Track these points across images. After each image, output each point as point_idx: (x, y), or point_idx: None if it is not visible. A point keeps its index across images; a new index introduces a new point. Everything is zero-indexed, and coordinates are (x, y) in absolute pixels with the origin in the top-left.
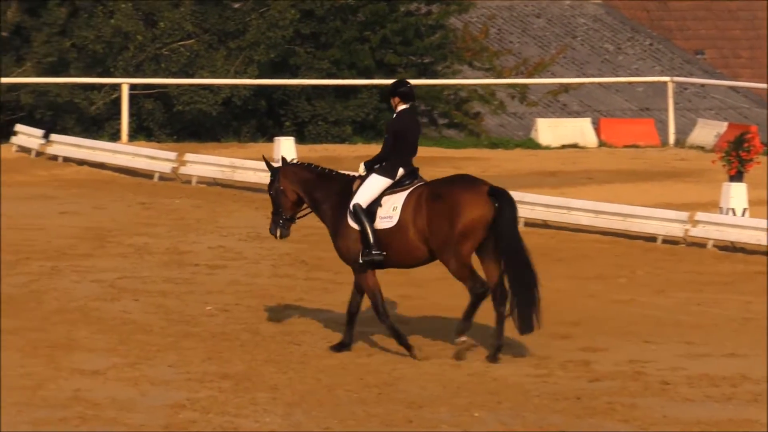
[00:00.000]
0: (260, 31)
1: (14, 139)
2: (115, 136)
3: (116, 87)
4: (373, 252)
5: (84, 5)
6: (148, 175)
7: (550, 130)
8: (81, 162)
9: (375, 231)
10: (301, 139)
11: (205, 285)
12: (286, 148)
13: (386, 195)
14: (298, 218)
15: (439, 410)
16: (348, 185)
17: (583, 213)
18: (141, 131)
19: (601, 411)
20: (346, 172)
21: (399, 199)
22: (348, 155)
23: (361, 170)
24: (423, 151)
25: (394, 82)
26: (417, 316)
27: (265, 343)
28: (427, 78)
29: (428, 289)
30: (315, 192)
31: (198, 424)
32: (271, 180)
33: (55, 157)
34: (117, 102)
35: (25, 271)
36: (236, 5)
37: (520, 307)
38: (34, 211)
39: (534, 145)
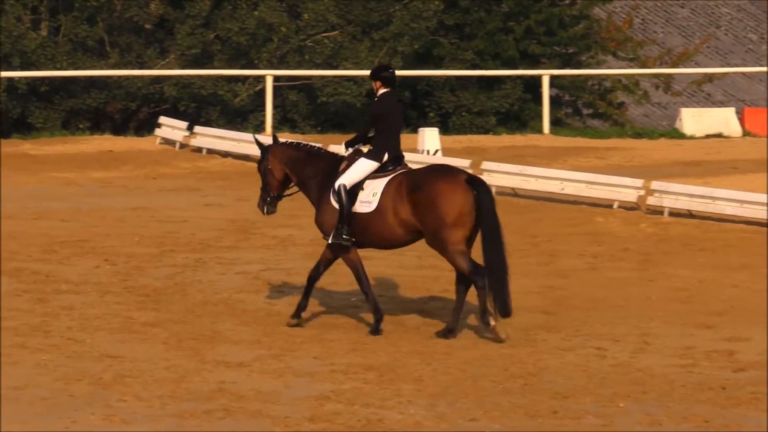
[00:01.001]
0: (404, 23)
1: (158, 132)
2: (259, 128)
3: (260, 79)
4: (344, 236)
5: None
6: None
7: (694, 120)
8: (225, 154)
9: (352, 214)
10: (445, 130)
11: (349, 277)
12: (430, 138)
13: (369, 179)
14: (285, 196)
15: (583, 401)
16: (335, 164)
17: (728, 203)
18: (285, 123)
19: (745, 401)
20: (334, 152)
21: (380, 185)
22: (492, 146)
23: (343, 150)
24: (568, 141)
25: (377, 67)
26: (562, 306)
27: (409, 334)
28: (571, 68)
29: (573, 280)
30: (304, 169)
31: (342, 416)
32: (260, 158)
33: (199, 149)
34: (261, 94)
35: (169, 263)
36: None
37: (499, 290)
38: (178, 203)
39: (678, 135)
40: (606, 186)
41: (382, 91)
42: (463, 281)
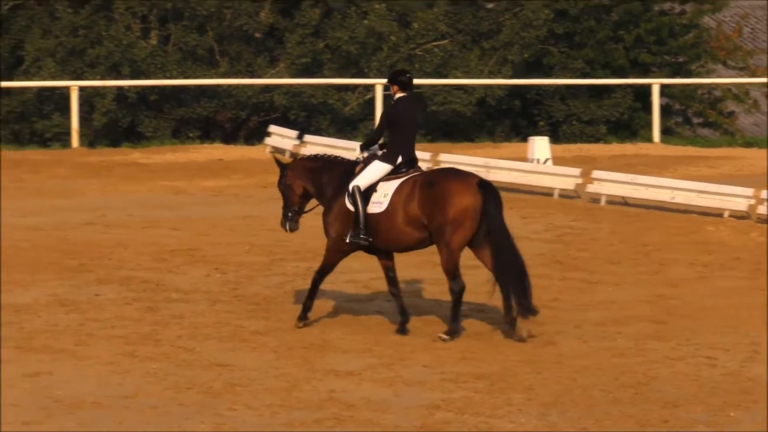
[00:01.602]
0: (514, 31)
1: (268, 140)
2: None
3: (370, 87)
4: (361, 236)
5: (337, 6)
6: None
7: None
8: None
9: (366, 214)
10: (555, 139)
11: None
12: (540, 147)
13: (383, 181)
14: (307, 212)
15: (694, 410)
16: (351, 168)
17: None
18: None
19: None
20: (350, 159)
21: (391, 186)
22: (602, 155)
23: (358, 153)
24: (678, 150)
25: (394, 72)
26: (672, 315)
27: (519, 343)
28: (681, 77)
29: (683, 289)
30: (321, 177)
31: (453, 425)
32: (279, 176)
33: None
34: (371, 102)
35: (279, 272)
36: (490, 5)
37: (519, 293)
38: None
39: None
40: (716, 195)
41: (399, 95)
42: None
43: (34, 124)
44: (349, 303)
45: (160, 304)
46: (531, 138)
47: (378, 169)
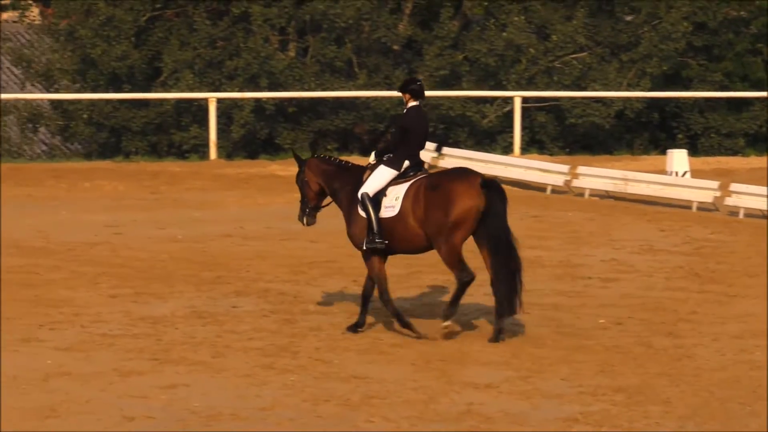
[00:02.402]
0: (653, 44)
1: None
2: (507, 149)
3: (509, 100)
4: (376, 240)
5: (476, 18)
6: (540, 188)
7: None
8: None
9: (379, 219)
10: (693, 152)
11: (597, 298)
12: (678, 160)
13: (392, 185)
14: (323, 207)
15: None
16: (360, 174)
17: None
18: (533, 144)
19: None
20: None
21: (401, 189)
22: (741, 168)
23: (372, 159)
24: None
25: (406, 80)
26: None
27: (657, 356)
28: None
29: None
30: (334, 182)
31: None
32: (298, 171)
33: None
34: (509, 115)
35: (417, 284)
36: (628, 18)
37: (504, 291)
38: None
39: None
40: None
41: (411, 104)
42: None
43: (172, 135)
44: (487, 316)
45: (298, 316)
46: (670, 151)
47: (384, 174)
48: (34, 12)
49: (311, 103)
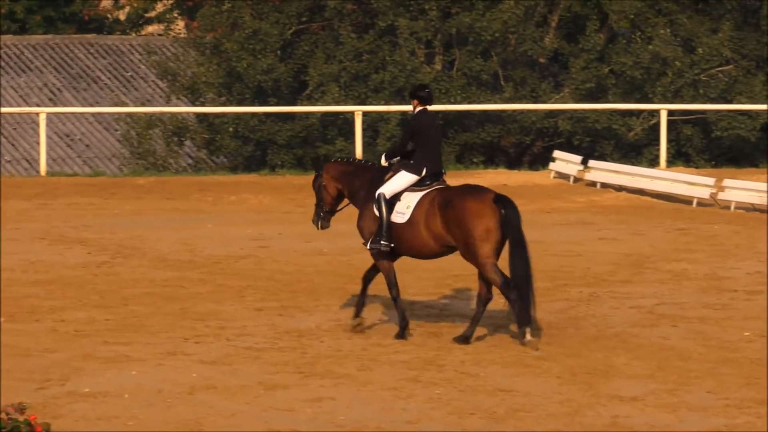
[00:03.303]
0: None
1: (552, 165)
2: (653, 162)
3: (654, 113)
4: (382, 242)
5: (622, 31)
6: (686, 200)
7: None
8: (619, 188)
9: (390, 222)
10: None
11: (743, 311)
12: None
13: (408, 191)
14: (338, 211)
15: None
16: (381, 174)
17: None
18: (679, 157)
19: None
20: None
21: (414, 198)
22: None
23: (383, 161)
24: None
25: (415, 86)
26: None
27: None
28: None
29: None
30: (354, 181)
31: None
32: (315, 176)
33: (593, 183)
34: (655, 128)
35: (563, 297)
36: None
37: (518, 306)
38: (572, 237)
39: None
40: None
41: (419, 109)
42: (483, 294)
43: (317, 149)
44: (633, 328)
45: (443, 329)
46: None
47: (404, 179)
48: (180, 25)
49: (457, 116)
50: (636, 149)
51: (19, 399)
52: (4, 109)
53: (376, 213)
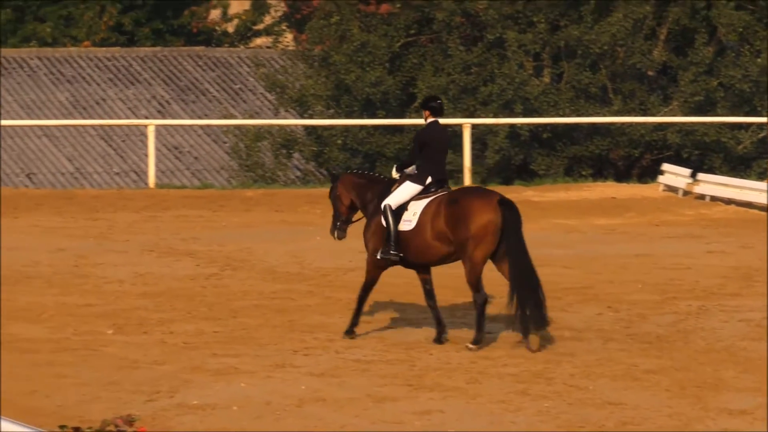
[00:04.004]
0: None
1: (661, 179)
2: (762, 175)
3: (763, 126)
4: (391, 252)
5: (730, 44)
6: None
7: None
8: (728, 201)
9: (398, 232)
10: None
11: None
12: None
13: (414, 200)
14: (354, 221)
15: None
16: (390, 187)
17: None
18: None
19: None
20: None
21: (420, 205)
22: None
23: (394, 173)
24: None
25: (426, 97)
26: None
27: None
28: None
29: None
30: (366, 193)
31: None
32: (331, 188)
33: (702, 197)
34: (764, 141)
35: (672, 310)
36: None
37: (530, 307)
38: (681, 250)
39: None
40: None
41: (430, 119)
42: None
43: None
44: (742, 341)
45: (552, 342)
46: None
47: (408, 189)
48: (288, 38)
49: (566, 128)
50: (745, 162)
51: (128, 411)
52: (113, 121)
53: (383, 224)
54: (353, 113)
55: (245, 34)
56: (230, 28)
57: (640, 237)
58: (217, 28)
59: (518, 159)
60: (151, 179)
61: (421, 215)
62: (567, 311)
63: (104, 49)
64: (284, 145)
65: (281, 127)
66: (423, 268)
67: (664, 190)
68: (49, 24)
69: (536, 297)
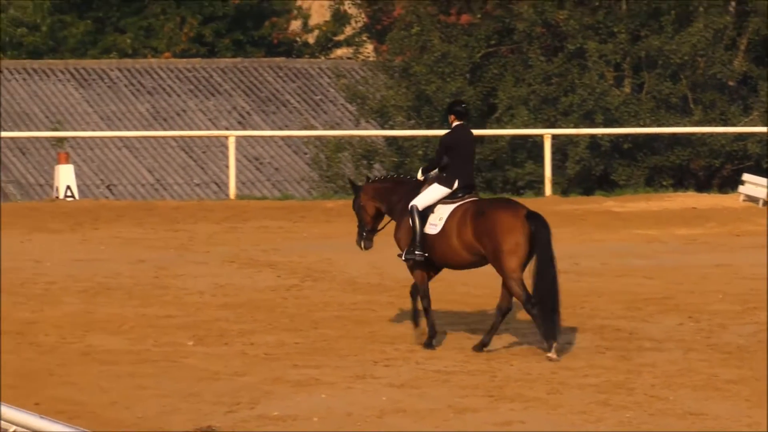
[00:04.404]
0: None
1: (742, 189)
2: None
3: None
4: (416, 252)
5: None
6: None
7: None
8: None
9: (423, 234)
10: None
11: None
12: None
13: (441, 203)
14: (379, 230)
15: None
16: (417, 188)
17: None
18: None
19: None
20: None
21: (446, 210)
22: None
23: (419, 176)
24: None
25: (452, 102)
26: None
27: None
28: None
29: None
30: (392, 196)
31: None
32: (354, 198)
33: None
34: None
35: (753, 320)
36: None
37: (544, 322)
38: (761, 260)
39: None
40: None
41: (455, 123)
42: (503, 304)
43: (507, 172)
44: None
45: (633, 352)
46: None
47: (436, 191)
48: (369, 49)
49: (646, 139)
50: None
51: (208, 423)
52: (193, 133)
53: (410, 224)
54: (434, 124)
55: (326, 45)
56: (311, 39)
57: (721, 247)
58: (297, 39)
59: (599, 169)
60: (232, 190)
61: (447, 220)
62: (648, 321)
63: (185, 60)
64: (365, 155)
65: (362, 137)
66: (435, 272)
67: (744, 200)
68: (130, 35)
69: (554, 316)
